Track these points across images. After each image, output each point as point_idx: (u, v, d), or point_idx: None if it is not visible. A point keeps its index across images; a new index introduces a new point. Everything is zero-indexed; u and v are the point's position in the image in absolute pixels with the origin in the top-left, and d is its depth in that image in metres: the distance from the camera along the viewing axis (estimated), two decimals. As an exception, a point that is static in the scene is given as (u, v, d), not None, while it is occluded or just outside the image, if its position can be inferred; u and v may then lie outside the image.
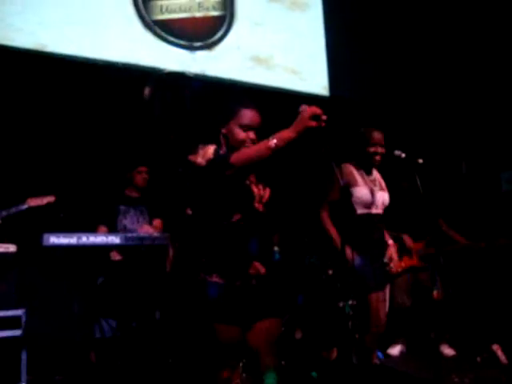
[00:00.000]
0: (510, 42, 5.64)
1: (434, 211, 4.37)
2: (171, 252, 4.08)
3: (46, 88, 4.35)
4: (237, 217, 2.39)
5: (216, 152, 2.36)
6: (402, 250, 4.27)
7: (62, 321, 3.93)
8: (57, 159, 4.38)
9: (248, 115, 2.47)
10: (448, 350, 4.52)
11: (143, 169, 4.26)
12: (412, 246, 4.33)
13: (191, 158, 2.38)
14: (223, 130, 2.50)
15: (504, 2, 5.61)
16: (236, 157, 2.28)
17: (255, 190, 2.52)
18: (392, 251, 3.54)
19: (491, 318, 4.79)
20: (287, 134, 2.20)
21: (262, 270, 2.44)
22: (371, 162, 3.51)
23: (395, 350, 4.61)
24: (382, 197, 3.53)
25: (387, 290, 3.56)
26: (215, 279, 2.33)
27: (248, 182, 2.51)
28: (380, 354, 4.27)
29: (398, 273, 4.08)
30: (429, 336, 4.40)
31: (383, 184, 3.64)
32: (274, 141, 2.19)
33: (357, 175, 3.51)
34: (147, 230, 3.87)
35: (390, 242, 3.59)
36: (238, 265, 2.39)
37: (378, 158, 3.49)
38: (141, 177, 4.24)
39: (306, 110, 2.19)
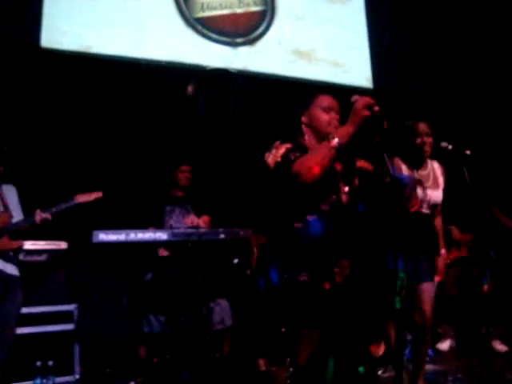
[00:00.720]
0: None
1: (485, 201, 4.27)
2: (255, 251, 4.14)
3: (93, 88, 4.45)
4: (324, 207, 2.34)
5: (286, 153, 2.32)
6: (450, 242, 4.24)
7: (111, 315, 4.03)
8: (105, 158, 4.47)
9: (326, 98, 2.49)
10: (500, 346, 4.44)
11: (186, 168, 4.27)
12: (460, 238, 4.32)
13: (266, 155, 2.38)
14: (304, 119, 2.48)
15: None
16: (300, 164, 2.23)
17: (340, 179, 2.46)
18: (441, 264, 3.45)
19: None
20: (346, 129, 2.20)
21: (347, 270, 2.36)
22: (421, 155, 3.41)
23: (444, 345, 4.54)
24: (431, 195, 3.35)
25: (433, 286, 3.48)
26: (303, 278, 2.29)
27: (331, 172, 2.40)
28: (430, 351, 4.19)
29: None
30: (480, 331, 4.30)
31: (440, 180, 3.45)
32: (336, 139, 2.18)
33: (405, 170, 3.43)
34: (192, 220, 3.88)
35: (443, 251, 3.50)
36: (325, 262, 2.32)
37: (426, 148, 3.37)
38: (184, 176, 4.24)
39: (359, 100, 2.18)
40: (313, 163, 2.20)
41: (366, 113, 2.14)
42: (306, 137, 2.47)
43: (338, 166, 2.47)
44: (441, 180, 3.44)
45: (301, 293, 2.29)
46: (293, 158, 2.28)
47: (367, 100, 2.17)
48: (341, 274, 2.34)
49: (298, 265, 2.30)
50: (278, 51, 5.03)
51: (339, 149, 2.18)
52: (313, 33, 5.25)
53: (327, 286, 2.30)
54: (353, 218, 2.42)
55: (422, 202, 3.37)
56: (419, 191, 3.34)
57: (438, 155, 3.57)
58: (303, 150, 2.38)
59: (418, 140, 3.34)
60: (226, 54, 4.82)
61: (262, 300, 4.01)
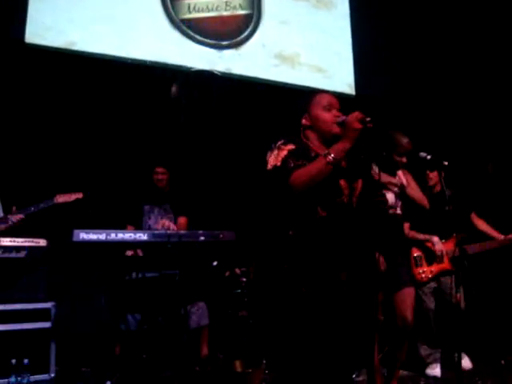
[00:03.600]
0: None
1: (464, 207, 4.27)
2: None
3: (74, 86, 4.43)
4: (322, 214, 2.29)
5: (287, 158, 2.29)
6: (432, 255, 4.10)
7: (89, 314, 4.02)
8: (86, 156, 4.45)
9: (325, 96, 2.46)
10: (466, 363, 4.17)
11: (160, 169, 4.29)
12: (442, 250, 4.09)
13: (268, 154, 2.36)
14: (304, 121, 2.44)
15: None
16: (297, 176, 2.22)
17: (343, 182, 2.40)
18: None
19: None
20: (342, 144, 2.20)
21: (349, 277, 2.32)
22: (395, 167, 3.50)
23: (436, 371, 4.14)
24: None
25: (414, 290, 3.56)
26: (298, 288, 2.24)
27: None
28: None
29: (427, 280, 4.08)
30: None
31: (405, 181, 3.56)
32: (332, 155, 2.18)
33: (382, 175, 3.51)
34: (163, 223, 3.92)
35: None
36: (325, 273, 2.27)
37: (401, 164, 3.48)
38: (156, 178, 4.27)
39: (351, 115, 2.21)
40: (309, 179, 2.21)
41: (360, 126, 2.16)
42: (308, 138, 2.42)
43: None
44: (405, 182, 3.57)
45: (295, 301, 2.25)
46: (292, 165, 2.25)
47: (357, 115, 2.19)
48: (341, 282, 2.31)
49: (291, 274, 2.25)
50: (262, 55, 5.06)
51: (335, 164, 2.18)
52: (297, 37, 5.29)
53: (323, 294, 2.26)
54: (353, 223, 2.37)
55: (395, 204, 3.48)
56: (391, 195, 3.45)
57: (417, 164, 3.67)
58: (306, 152, 2.34)
59: (397, 158, 3.42)
60: (210, 57, 4.84)
61: (253, 307, 4.05)
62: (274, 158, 2.32)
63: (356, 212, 2.39)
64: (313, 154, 2.35)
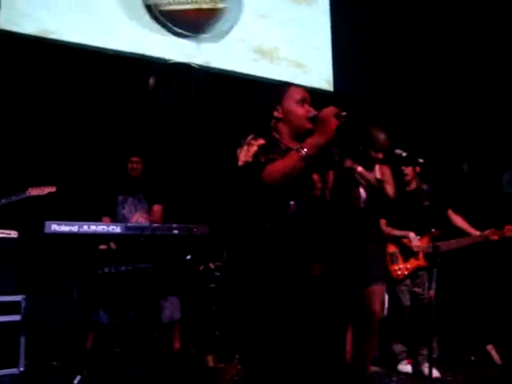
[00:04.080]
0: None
1: (440, 204, 4.26)
2: (225, 254, 4.12)
3: (48, 76, 4.35)
4: (292, 208, 2.25)
5: (257, 153, 2.24)
6: (408, 252, 4.08)
7: (60, 308, 3.97)
8: (58, 149, 4.39)
9: (299, 90, 2.42)
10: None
11: (135, 159, 4.26)
12: (419, 246, 4.07)
13: (238, 150, 2.31)
14: (276, 114, 2.39)
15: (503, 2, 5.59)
16: (270, 172, 2.18)
17: (315, 175, 2.36)
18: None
19: (487, 317, 4.82)
20: (315, 140, 2.16)
21: (320, 270, 2.30)
22: (371, 163, 3.52)
23: (408, 367, 4.14)
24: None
25: (385, 287, 3.60)
26: (272, 283, 2.21)
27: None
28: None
29: (404, 277, 4.06)
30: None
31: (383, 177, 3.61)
32: (305, 150, 2.14)
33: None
34: (137, 218, 3.88)
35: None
36: (298, 267, 2.25)
37: (377, 161, 3.51)
38: (131, 166, 4.24)
39: (325, 110, 2.18)
40: (281, 174, 2.17)
41: (335, 122, 2.13)
42: (279, 131, 2.39)
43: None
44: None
45: (266, 296, 2.22)
46: (263, 160, 2.21)
47: (333, 109, 2.16)
48: (314, 276, 2.29)
49: (266, 269, 2.22)
50: (240, 49, 5.03)
51: (308, 159, 2.14)
52: (276, 32, 5.27)
53: (297, 289, 2.23)
54: (327, 216, 2.35)
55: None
56: (362, 190, 3.50)
57: (392, 161, 3.69)
58: (277, 147, 2.30)
59: (373, 154, 3.44)
60: (189, 49, 4.79)
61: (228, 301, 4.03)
62: (244, 154, 2.28)
63: (329, 206, 2.37)
64: (283, 148, 2.32)
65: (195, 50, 4.81)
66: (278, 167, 2.18)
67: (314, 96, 2.44)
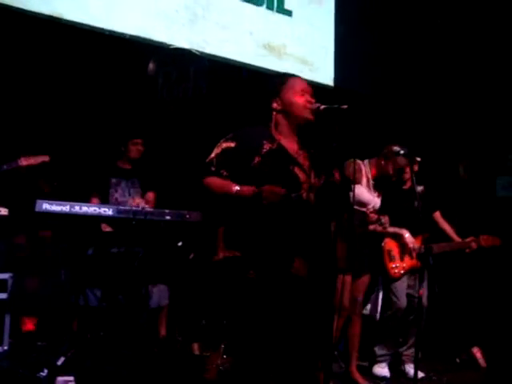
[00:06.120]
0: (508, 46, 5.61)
1: (431, 205, 4.23)
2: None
3: (49, 52, 4.30)
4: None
5: (217, 156, 2.34)
6: (403, 249, 4.02)
7: (48, 287, 3.94)
8: (53, 126, 4.34)
9: (298, 81, 2.43)
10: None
11: (139, 140, 4.24)
12: (414, 243, 4.01)
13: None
14: (275, 105, 2.39)
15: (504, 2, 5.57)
16: (208, 184, 2.34)
17: (302, 176, 2.37)
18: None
19: (473, 320, 4.83)
20: (248, 191, 2.24)
21: (303, 270, 2.32)
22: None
23: (385, 371, 4.09)
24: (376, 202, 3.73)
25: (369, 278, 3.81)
26: (251, 276, 2.24)
27: (292, 167, 2.36)
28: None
29: (400, 275, 3.98)
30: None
31: None
32: (238, 188, 2.25)
33: (364, 176, 3.71)
34: (138, 202, 3.86)
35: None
36: (277, 262, 2.27)
37: None
38: (136, 148, 4.21)
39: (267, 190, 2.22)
40: (215, 191, 2.33)
41: (271, 198, 2.21)
42: (277, 123, 2.39)
43: (305, 163, 2.41)
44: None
45: (247, 289, 2.25)
46: (213, 169, 2.33)
47: (277, 190, 2.22)
48: (297, 272, 2.30)
49: (246, 260, 2.25)
50: (248, 41, 4.96)
51: (235, 196, 2.27)
52: (285, 28, 5.21)
53: (272, 280, 2.24)
54: (309, 217, 2.35)
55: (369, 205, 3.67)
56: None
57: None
58: (252, 149, 2.31)
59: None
60: (195, 38, 4.71)
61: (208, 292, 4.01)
62: (216, 149, 2.39)
63: (312, 207, 2.35)
64: (266, 148, 2.33)
65: (202, 41, 4.72)
66: (217, 185, 2.33)
67: (318, 91, 2.42)
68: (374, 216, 3.62)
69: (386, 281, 3.99)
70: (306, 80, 2.49)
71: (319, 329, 2.37)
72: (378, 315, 3.98)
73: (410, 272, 4.04)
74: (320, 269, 2.35)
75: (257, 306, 2.24)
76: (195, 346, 3.67)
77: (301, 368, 2.37)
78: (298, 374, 2.36)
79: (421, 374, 3.86)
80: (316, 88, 2.50)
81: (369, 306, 4.06)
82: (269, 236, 2.25)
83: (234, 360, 2.52)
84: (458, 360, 4.49)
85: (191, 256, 4.10)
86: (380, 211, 3.73)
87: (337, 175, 2.39)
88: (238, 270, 2.26)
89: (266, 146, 2.33)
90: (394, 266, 3.97)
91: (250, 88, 4.37)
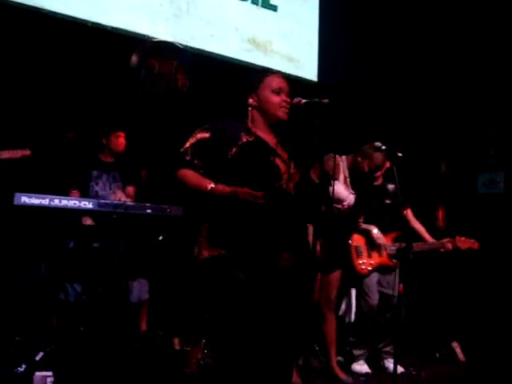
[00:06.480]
0: (493, 45, 5.65)
1: (404, 203, 4.20)
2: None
3: (30, 43, 4.23)
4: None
5: (191, 147, 2.32)
6: (371, 246, 3.97)
7: (27, 282, 3.89)
8: (33, 117, 4.29)
9: (276, 78, 2.43)
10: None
11: (121, 133, 4.21)
12: (383, 239, 3.97)
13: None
14: (251, 101, 2.40)
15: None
16: (183, 175, 2.30)
17: (282, 167, 2.37)
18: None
19: (453, 315, 4.88)
20: (224, 189, 2.23)
21: (289, 261, 2.31)
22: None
23: (364, 367, 4.07)
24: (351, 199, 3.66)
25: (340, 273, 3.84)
26: (237, 274, 2.23)
27: (272, 158, 2.36)
28: None
29: (368, 272, 3.94)
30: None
31: None
32: (213, 186, 2.23)
33: (341, 172, 3.73)
34: (120, 196, 3.82)
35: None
36: (264, 259, 2.26)
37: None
38: (118, 141, 4.19)
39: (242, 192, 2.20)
40: (188, 184, 2.30)
41: (247, 198, 2.17)
42: (253, 119, 2.40)
43: (284, 155, 2.42)
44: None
45: (233, 288, 2.24)
46: (188, 159, 2.30)
47: (252, 193, 2.19)
48: (281, 266, 2.29)
49: (232, 258, 2.24)
50: (234, 38, 4.93)
51: (209, 193, 2.24)
52: (271, 25, 5.18)
53: (261, 280, 2.24)
54: (289, 208, 2.35)
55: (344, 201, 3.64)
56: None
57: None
58: (228, 139, 2.30)
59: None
60: (179, 32, 4.67)
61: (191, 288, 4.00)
62: (188, 142, 2.36)
63: (292, 198, 2.36)
64: (243, 139, 2.33)
65: (187, 36, 4.68)
66: (191, 179, 2.29)
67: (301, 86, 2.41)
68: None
69: (356, 279, 3.95)
70: (285, 78, 2.50)
71: (299, 323, 2.38)
72: (353, 315, 3.93)
73: (382, 271, 4.01)
74: (303, 260, 2.37)
75: (244, 304, 2.24)
76: (176, 341, 3.66)
77: (281, 362, 2.38)
78: (278, 368, 2.37)
79: (400, 369, 3.87)
80: (299, 83, 2.50)
81: (343, 306, 4.01)
82: (254, 232, 2.25)
83: (217, 355, 2.51)
84: (437, 355, 4.53)
85: (160, 238, 4.00)
86: (354, 208, 3.72)
87: (315, 173, 2.40)
88: (224, 269, 2.25)
89: (244, 138, 2.34)
90: (360, 262, 3.91)
91: (233, 83, 4.36)
